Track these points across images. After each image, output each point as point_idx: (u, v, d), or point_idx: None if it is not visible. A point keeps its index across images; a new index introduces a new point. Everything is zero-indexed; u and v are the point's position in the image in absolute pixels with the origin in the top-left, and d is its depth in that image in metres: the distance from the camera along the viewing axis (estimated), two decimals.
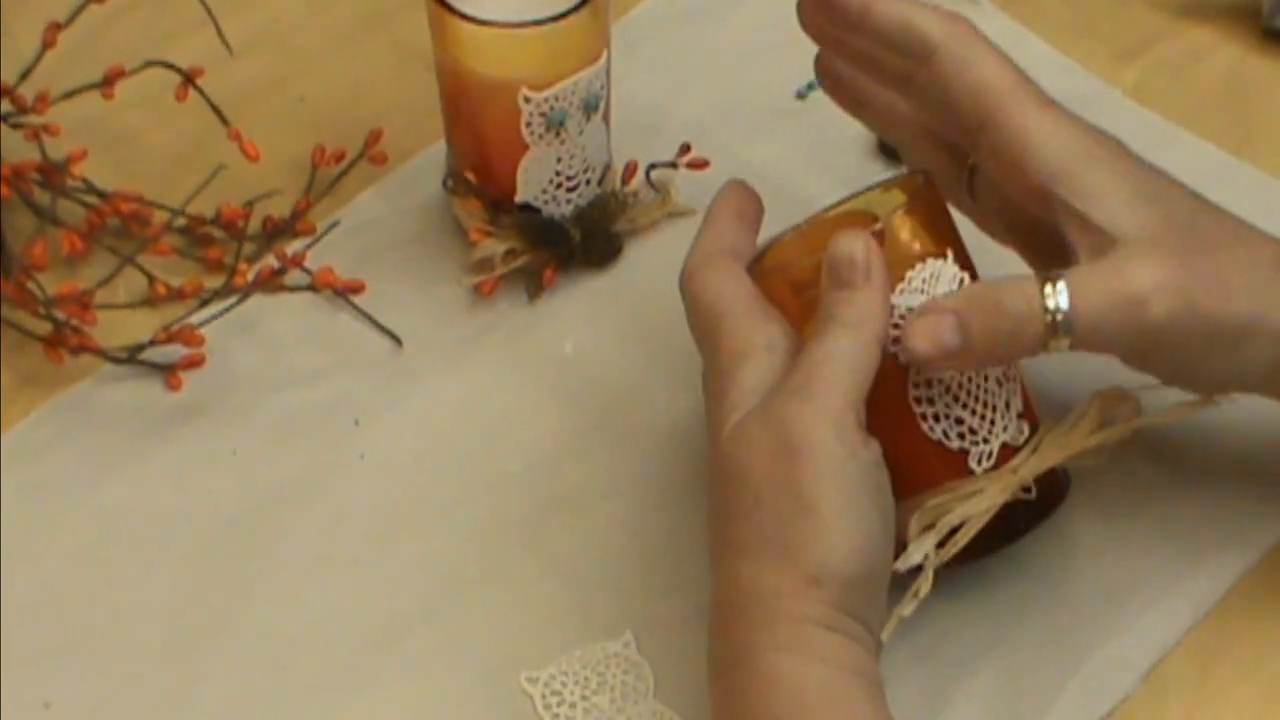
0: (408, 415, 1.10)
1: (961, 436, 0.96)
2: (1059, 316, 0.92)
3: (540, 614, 1.02)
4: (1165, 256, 0.94)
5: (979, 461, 0.96)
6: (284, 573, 1.04)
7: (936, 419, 0.95)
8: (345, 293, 1.14)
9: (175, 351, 1.11)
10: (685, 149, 1.17)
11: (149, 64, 1.14)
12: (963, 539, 0.94)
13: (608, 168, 1.15)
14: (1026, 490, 0.96)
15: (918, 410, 0.95)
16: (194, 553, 1.05)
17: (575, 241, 1.14)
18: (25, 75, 1.15)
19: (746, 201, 1.01)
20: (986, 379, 0.96)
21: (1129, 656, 1.00)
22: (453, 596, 1.03)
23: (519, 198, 1.13)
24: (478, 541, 1.05)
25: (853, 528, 0.89)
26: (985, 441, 0.96)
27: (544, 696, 0.99)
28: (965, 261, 0.98)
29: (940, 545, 0.95)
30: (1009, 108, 0.96)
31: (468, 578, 1.04)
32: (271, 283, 1.13)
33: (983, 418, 0.96)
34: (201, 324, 1.11)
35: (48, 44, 1.15)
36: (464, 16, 1.06)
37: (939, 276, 0.96)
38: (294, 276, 1.14)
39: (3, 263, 1.12)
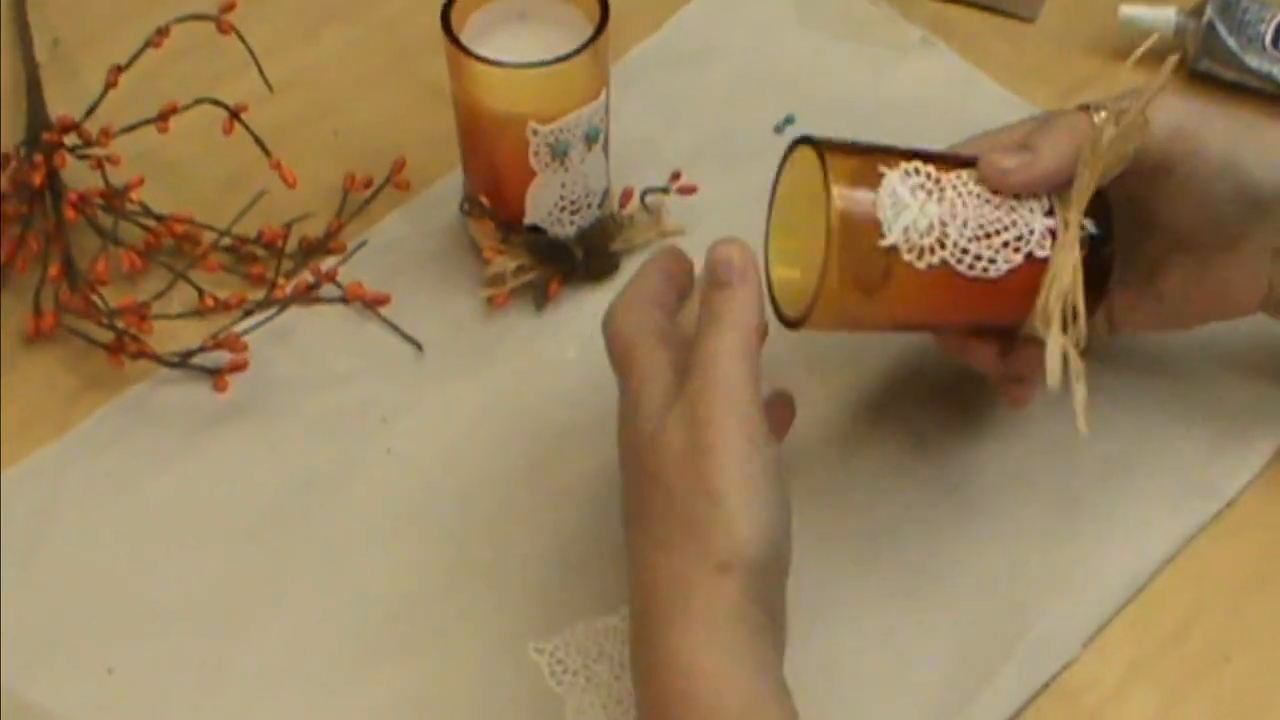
0: (429, 414, 1.11)
1: (1015, 250, 0.96)
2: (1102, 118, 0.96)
3: (546, 591, 1.03)
4: (1192, 100, 1.00)
5: (1040, 247, 0.96)
6: (318, 553, 1.05)
7: (990, 259, 0.96)
8: (373, 304, 1.14)
9: (221, 357, 1.11)
10: (676, 176, 1.17)
11: (199, 101, 1.14)
12: (1078, 305, 0.95)
13: (606, 193, 1.15)
14: (1084, 231, 0.97)
15: (971, 271, 0.96)
16: (238, 535, 1.06)
17: (578, 259, 1.14)
18: (90, 112, 1.15)
19: (676, 265, 1.01)
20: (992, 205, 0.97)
21: (1069, 626, 1.00)
22: (468, 575, 1.04)
23: (527, 219, 1.13)
24: (491, 526, 1.06)
25: (757, 516, 0.89)
26: (1031, 232, 0.96)
27: (550, 665, 0.99)
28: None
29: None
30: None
31: (482, 559, 1.04)
32: (307, 295, 1.14)
33: (1014, 223, 0.96)
34: (245, 332, 1.12)
35: (110, 84, 1.15)
36: (479, 58, 1.06)
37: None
38: (327, 290, 1.14)
39: (70, 278, 1.12)
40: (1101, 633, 1.01)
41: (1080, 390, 0.94)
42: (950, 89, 1.22)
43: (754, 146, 1.21)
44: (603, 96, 1.10)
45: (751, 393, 0.91)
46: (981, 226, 0.96)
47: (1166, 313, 1.05)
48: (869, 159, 0.97)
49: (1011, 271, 0.97)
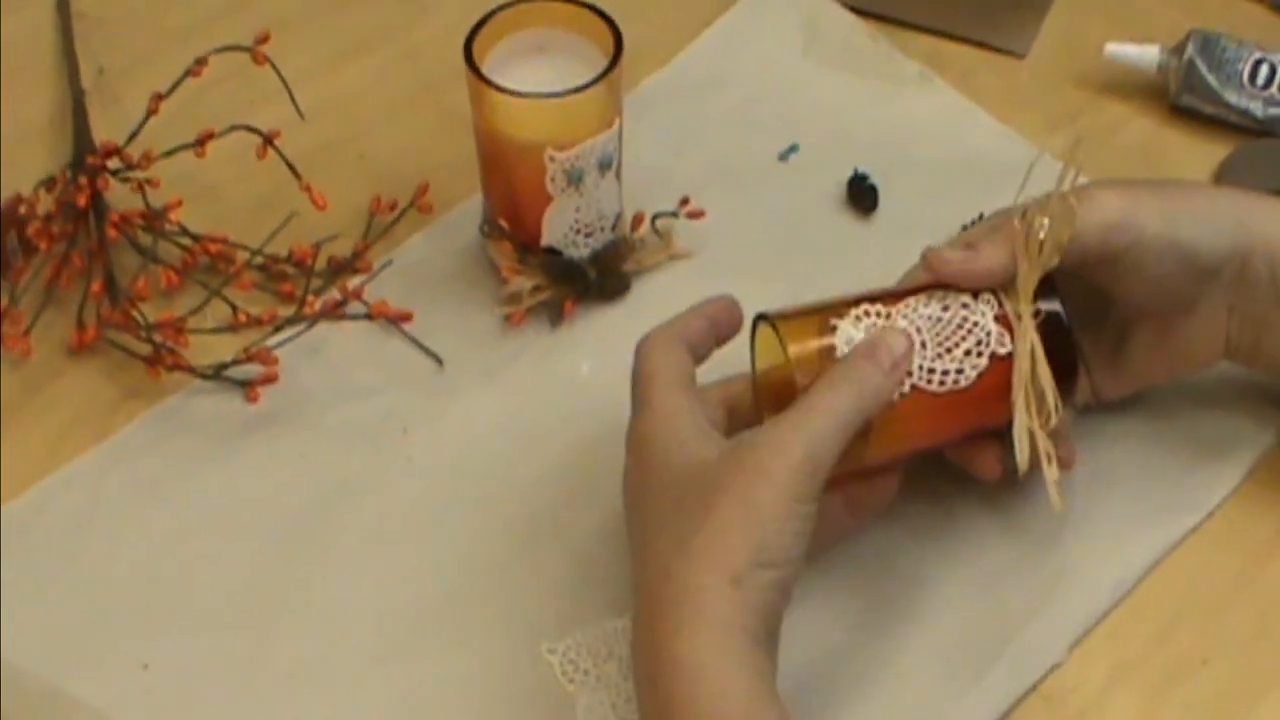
0: (449, 424, 1.11)
1: (979, 354, 0.97)
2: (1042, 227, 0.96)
3: (559, 594, 1.03)
4: (1124, 190, 0.98)
5: (1001, 344, 0.97)
6: (343, 556, 1.05)
7: (958, 370, 0.96)
8: (396, 321, 1.15)
9: (253, 369, 1.12)
10: (684, 201, 1.17)
11: (234, 128, 1.15)
12: (1044, 384, 0.96)
13: (619, 216, 1.15)
14: (1039, 314, 0.97)
15: (943, 387, 0.96)
16: (268, 538, 1.06)
17: (591, 279, 1.14)
18: (132, 137, 1.16)
19: (724, 314, 1.01)
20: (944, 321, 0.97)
21: (1056, 631, 1.01)
22: (485, 578, 1.04)
23: (544, 241, 1.13)
24: (507, 531, 1.06)
25: (786, 546, 0.89)
26: (988, 334, 0.97)
27: (562, 664, 0.99)
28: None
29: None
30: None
31: (498, 562, 1.05)
32: (334, 312, 1.14)
33: (970, 331, 0.97)
34: (275, 346, 1.12)
35: (151, 111, 1.16)
36: (499, 88, 1.06)
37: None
38: (353, 307, 1.15)
39: (111, 294, 1.13)
40: (1086, 637, 1.01)
41: (1051, 470, 0.96)
42: (946, 120, 1.22)
43: (759, 174, 1.22)
44: (616, 125, 1.10)
45: (834, 454, 0.91)
46: (940, 343, 0.97)
47: (1139, 376, 1.06)
48: (821, 316, 0.97)
49: (981, 375, 0.97)
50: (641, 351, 0.98)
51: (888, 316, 0.97)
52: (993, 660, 1.00)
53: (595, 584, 1.03)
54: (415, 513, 1.07)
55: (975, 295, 0.98)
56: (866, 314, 0.97)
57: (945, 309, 0.97)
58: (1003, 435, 0.99)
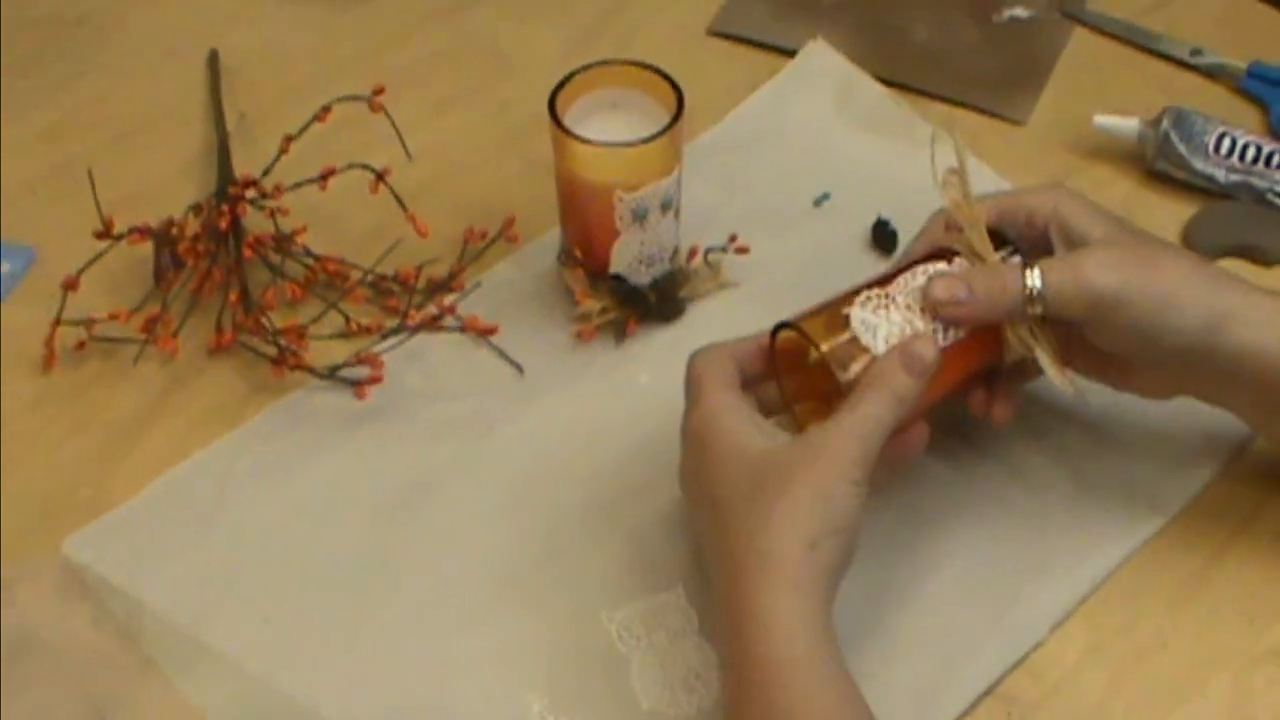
0: (527, 424, 1.11)
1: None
2: (1034, 291, 0.96)
3: (617, 570, 1.03)
4: (1112, 252, 0.98)
5: None
6: (434, 531, 1.06)
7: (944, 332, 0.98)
8: (484, 333, 1.15)
9: (362, 371, 1.12)
10: (733, 239, 1.18)
11: (352, 166, 1.15)
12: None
13: (676, 250, 1.15)
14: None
15: (948, 339, 0.97)
16: (372, 514, 1.06)
17: (651, 303, 1.14)
18: (266, 172, 1.16)
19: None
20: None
21: (1039, 614, 1.01)
22: (555, 554, 1.04)
23: (612, 270, 1.13)
24: (574, 515, 1.06)
25: (851, 513, 0.91)
26: None
27: (619, 631, 1.00)
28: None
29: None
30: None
31: (566, 541, 1.05)
32: (432, 324, 1.14)
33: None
34: (381, 352, 1.12)
35: (283, 150, 1.16)
36: (578, 138, 1.07)
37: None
38: (448, 320, 1.15)
39: (245, 304, 1.14)
40: (1065, 621, 1.01)
41: (1053, 366, 0.99)
42: None
43: (796, 217, 1.22)
44: (676, 172, 1.10)
45: (880, 443, 0.93)
46: None
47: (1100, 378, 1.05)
48: (832, 309, 0.98)
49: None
50: (693, 359, 0.99)
51: (887, 295, 0.98)
52: (986, 637, 1.00)
53: (648, 563, 1.03)
54: (496, 497, 1.07)
55: (950, 260, 0.99)
56: (870, 298, 0.98)
57: (930, 279, 0.98)
58: (994, 374, 1.02)
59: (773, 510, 0.90)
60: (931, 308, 0.97)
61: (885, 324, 0.97)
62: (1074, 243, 1.00)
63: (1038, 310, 0.97)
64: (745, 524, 0.91)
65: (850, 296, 0.98)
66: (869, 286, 0.99)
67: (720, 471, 0.94)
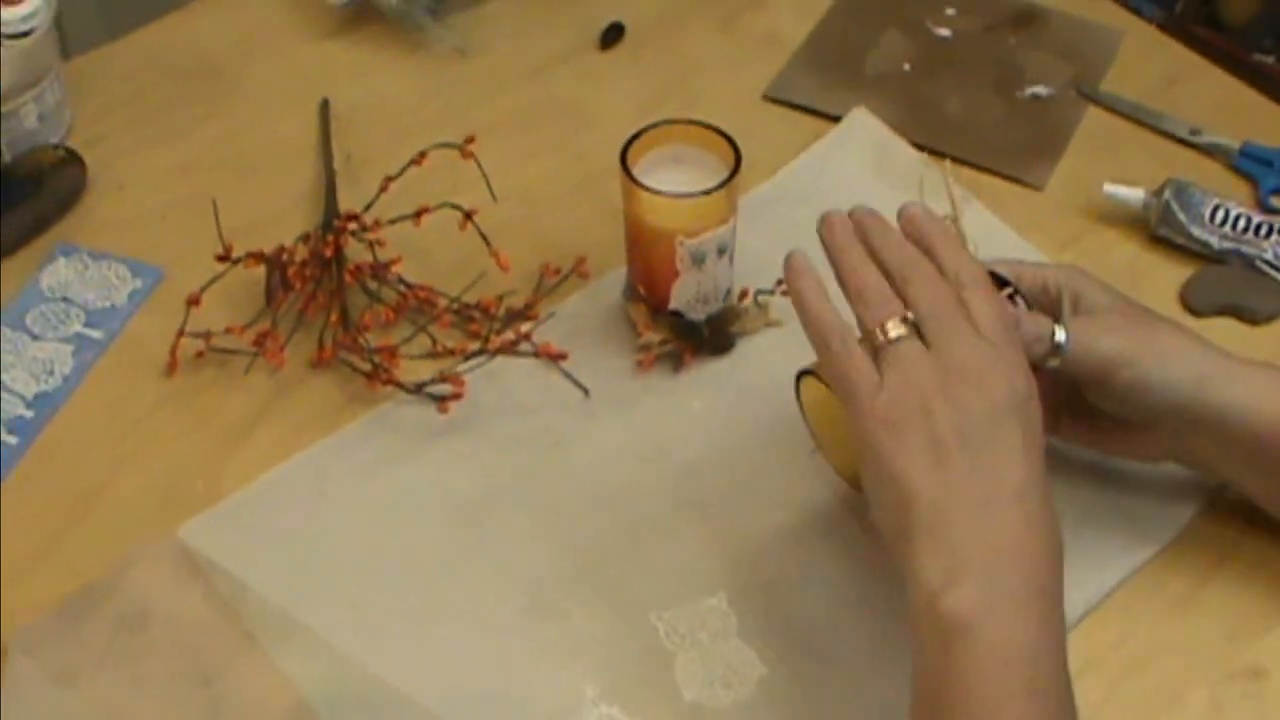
0: (590, 441, 1.10)
1: None
2: (1058, 344, 0.96)
3: (666, 575, 1.03)
4: (1117, 318, 0.98)
5: None
6: (503, 535, 1.05)
7: None
8: (555, 359, 1.14)
9: (446, 388, 1.12)
10: (780, 283, 1.14)
11: (443, 205, 1.15)
12: None
13: (730, 290, 1.15)
14: None
15: None
16: (452, 515, 1.06)
17: (705, 337, 1.14)
18: (367, 208, 1.17)
19: None
20: None
21: None
22: (611, 560, 1.04)
23: (671, 306, 1.13)
24: (631, 525, 1.06)
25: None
26: None
27: (665, 630, 1.00)
28: None
29: None
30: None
31: (621, 548, 1.04)
32: (509, 349, 1.14)
33: None
34: (463, 372, 1.12)
35: (383, 189, 1.17)
36: (645, 188, 1.07)
37: None
38: (524, 346, 1.14)
39: (344, 324, 1.14)
40: (1066, 636, 1.00)
41: None
42: (980, 234, 1.19)
43: None
44: (732, 221, 1.10)
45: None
46: None
47: (1086, 440, 1.05)
48: None
49: None
50: None
51: None
52: None
53: (694, 570, 1.03)
54: (561, 506, 1.07)
55: None
56: None
57: None
58: None
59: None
60: None
61: None
62: (1082, 311, 1.00)
63: (1054, 363, 0.97)
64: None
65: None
66: None
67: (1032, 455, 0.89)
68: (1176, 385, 0.96)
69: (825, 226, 0.97)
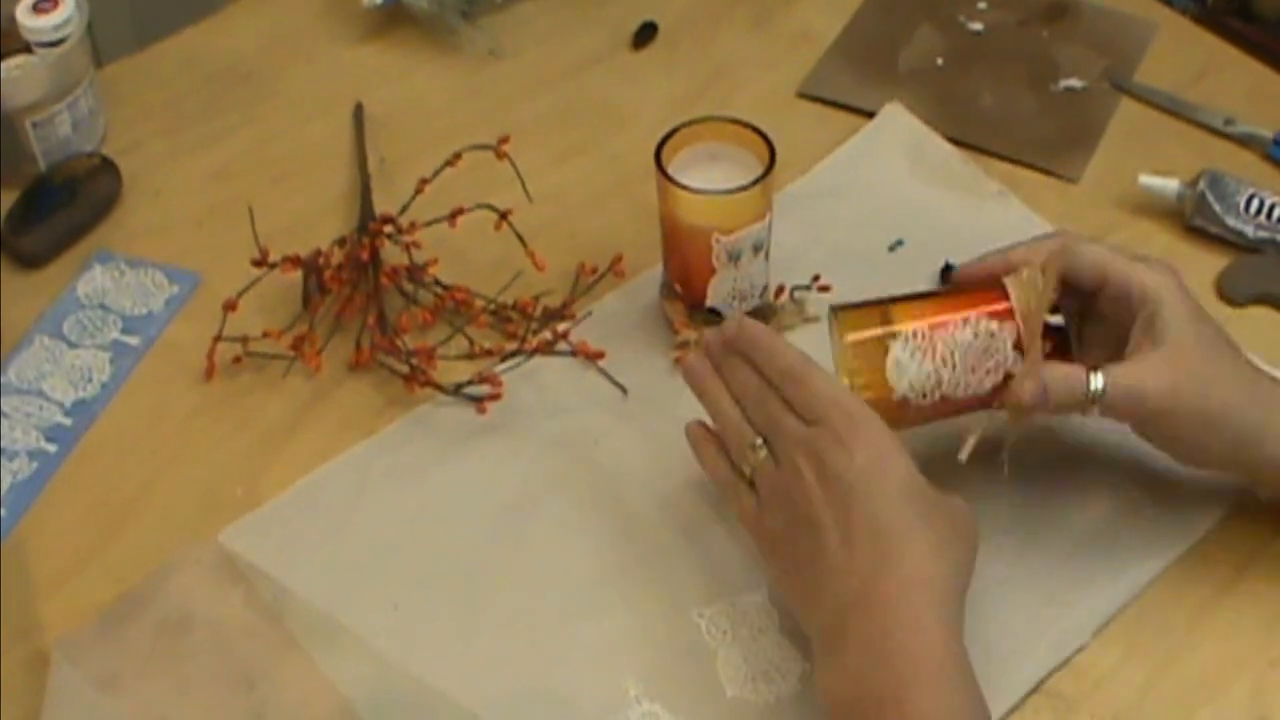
0: (628, 439, 1.10)
1: (997, 372, 0.97)
2: (1095, 395, 0.95)
3: (708, 572, 1.02)
4: (1171, 364, 0.95)
5: (1016, 363, 0.97)
6: (544, 532, 1.05)
7: (979, 383, 0.97)
8: (593, 358, 1.14)
9: (484, 389, 1.12)
10: (816, 279, 1.17)
11: (479, 206, 1.15)
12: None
13: (766, 287, 1.14)
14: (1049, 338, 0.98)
15: (965, 393, 0.98)
16: (490, 514, 1.06)
17: None
18: (403, 210, 1.16)
19: None
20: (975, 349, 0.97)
21: (1083, 621, 0.99)
22: (652, 557, 1.03)
23: (708, 303, 1.12)
24: (669, 522, 1.05)
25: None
26: (1006, 358, 0.97)
27: (707, 626, 0.99)
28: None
29: None
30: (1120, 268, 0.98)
31: (661, 545, 1.04)
32: (547, 349, 1.14)
33: (994, 355, 0.97)
34: (501, 372, 1.12)
35: (418, 191, 1.16)
36: (681, 186, 1.06)
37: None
38: (561, 345, 1.14)
39: (381, 326, 1.13)
40: (1105, 626, 1.00)
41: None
42: (1016, 227, 1.19)
43: (873, 260, 1.20)
44: (767, 218, 1.10)
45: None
46: (971, 367, 0.97)
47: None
48: (879, 322, 0.99)
49: (995, 387, 0.97)
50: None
51: (929, 340, 0.97)
52: (1034, 641, 0.98)
53: (736, 567, 1.02)
54: (600, 504, 1.06)
55: (1001, 322, 0.97)
56: (914, 335, 0.97)
57: (975, 336, 0.97)
58: None
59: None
60: (1013, 404, 0.96)
61: (916, 370, 0.97)
62: (1152, 332, 0.97)
63: (1094, 411, 0.96)
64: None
65: (902, 307, 0.99)
66: (919, 304, 1.00)
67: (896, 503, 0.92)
68: (1223, 444, 0.96)
69: (685, 373, 1.02)
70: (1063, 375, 0.96)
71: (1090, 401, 0.95)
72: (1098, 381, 0.95)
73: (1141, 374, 0.95)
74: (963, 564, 0.92)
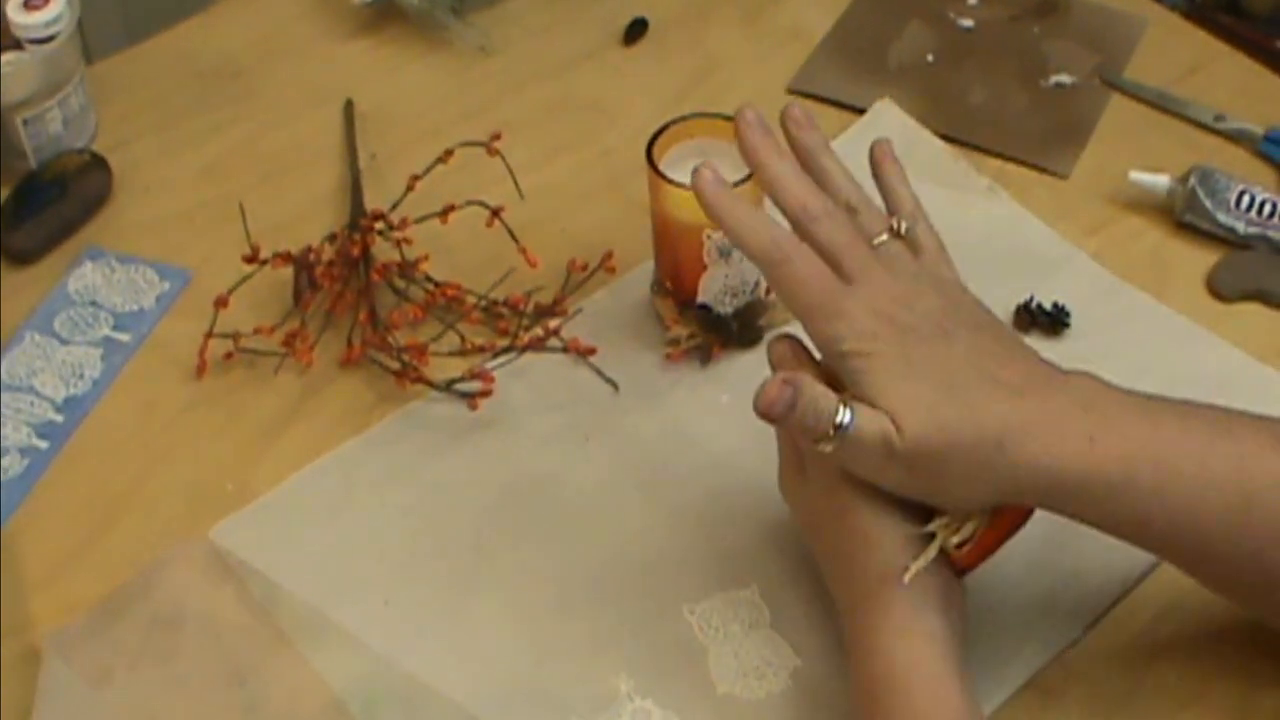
0: (620, 435, 1.10)
1: None
2: (839, 426, 0.86)
3: (699, 568, 1.02)
4: (916, 412, 0.86)
5: None
6: (535, 529, 1.05)
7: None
8: (584, 354, 1.14)
9: (475, 385, 1.11)
10: None
11: (470, 203, 1.15)
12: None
13: (757, 283, 1.14)
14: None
15: None
16: (482, 511, 1.06)
17: (733, 330, 1.13)
18: (394, 206, 1.16)
19: None
20: None
21: (1076, 614, 1.00)
22: (642, 553, 1.03)
23: (699, 299, 1.12)
24: (663, 517, 1.05)
25: None
26: None
27: (698, 623, 0.99)
28: None
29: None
30: None
31: (652, 541, 1.04)
32: (538, 345, 1.14)
33: None
34: (493, 369, 1.12)
35: (409, 188, 1.16)
36: (671, 182, 1.06)
37: None
38: (552, 342, 1.14)
39: (372, 323, 1.13)
40: (1097, 622, 0.99)
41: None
42: (1007, 223, 1.21)
43: None
44: None
45: None
46: None
47: None
48: None
49: None
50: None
51: None
52: (1026, 637, 0.99)
53: (726, 563, 1.02)
54: (591, 500, 1.06)
55: None
56: None
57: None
58: None
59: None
60: (764, 406, 0.87)
61: None
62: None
63: (829, 448, 0.87)
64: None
65: None
66: None
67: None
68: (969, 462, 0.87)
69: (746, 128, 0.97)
70: (821, 394, 0.88)
71: (831, 434, 0.87)
72: (845, 415, 0.86)
73: (884, 422, 0.87)
74: None
